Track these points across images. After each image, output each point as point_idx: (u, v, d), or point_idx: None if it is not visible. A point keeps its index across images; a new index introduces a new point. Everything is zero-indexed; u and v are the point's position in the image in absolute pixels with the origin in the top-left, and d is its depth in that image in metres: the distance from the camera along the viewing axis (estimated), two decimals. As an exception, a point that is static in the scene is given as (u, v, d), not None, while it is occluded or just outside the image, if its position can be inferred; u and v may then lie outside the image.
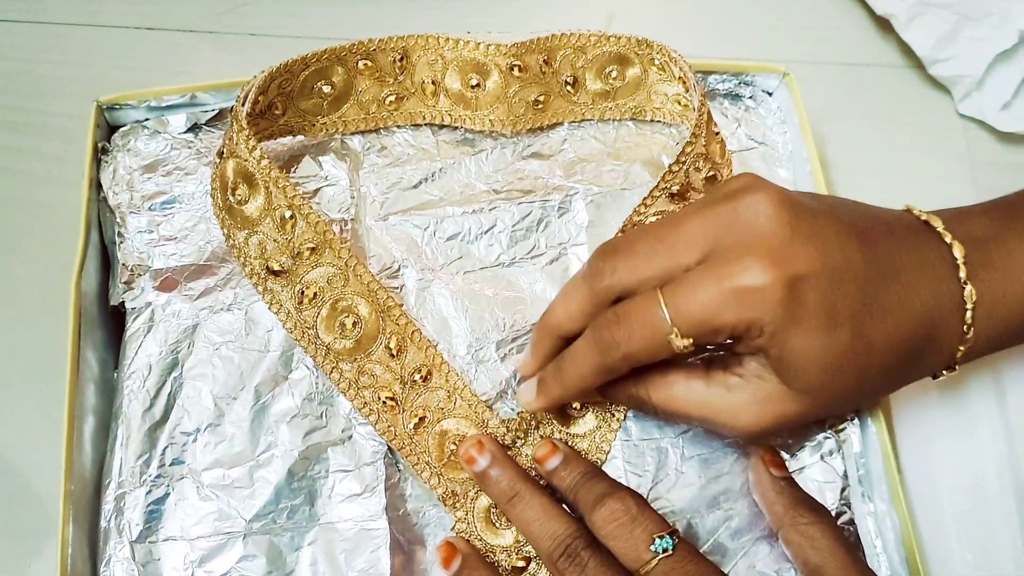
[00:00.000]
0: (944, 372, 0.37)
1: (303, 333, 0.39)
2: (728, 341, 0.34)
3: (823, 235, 0.33)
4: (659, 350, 0.33)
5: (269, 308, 0.40)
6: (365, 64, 0.44)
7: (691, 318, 0.32)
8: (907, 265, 0.35)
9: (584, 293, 0.35)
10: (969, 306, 0.35)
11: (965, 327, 0.35)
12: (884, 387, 0.38)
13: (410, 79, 0.45)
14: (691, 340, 0.32)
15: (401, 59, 0.44)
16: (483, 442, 0.38)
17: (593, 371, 0.35)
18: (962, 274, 0.35)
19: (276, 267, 0.39)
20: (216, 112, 0.44)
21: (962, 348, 0.35)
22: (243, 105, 0.39)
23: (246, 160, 0.39)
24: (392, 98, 0.45)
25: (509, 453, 0.39)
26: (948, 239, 0.36)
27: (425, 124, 0.45)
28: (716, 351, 0.38)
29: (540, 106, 0.45)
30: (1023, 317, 0.36)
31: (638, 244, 0.34)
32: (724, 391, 0.35)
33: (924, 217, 0.37)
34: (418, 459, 0.39)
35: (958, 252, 0.35)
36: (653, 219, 0.41)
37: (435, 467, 0.38)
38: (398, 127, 0.45)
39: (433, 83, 0.45)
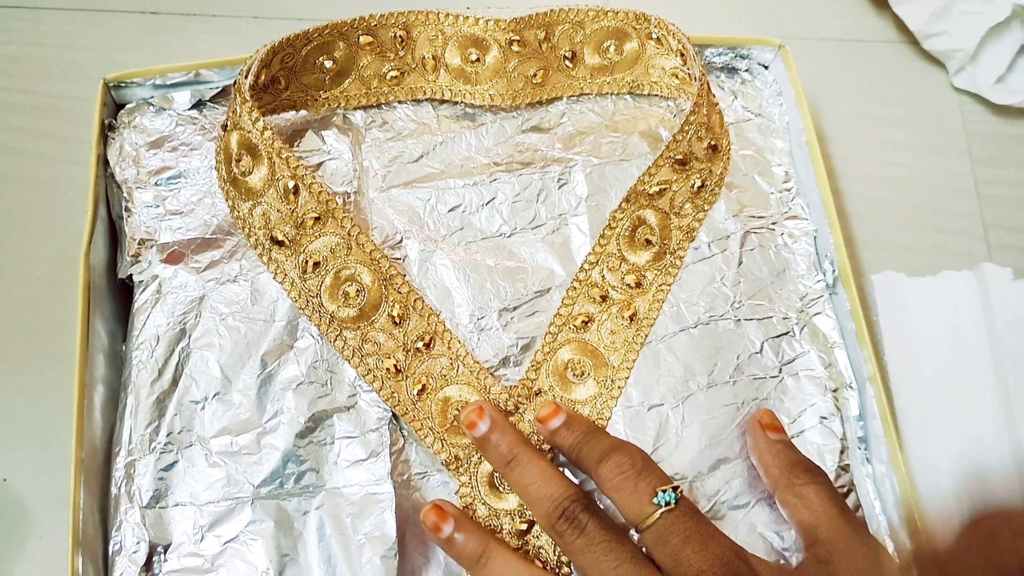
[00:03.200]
0: None
1: (307, 302, 0.40)
2: None
3: None
4: None
5: (274, 278, 0.40)
6: (367, 39, 0.44)
7: None
8: None
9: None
10: None
11: None
12: None
13: (411, 54, 0.45)
14: None
15: (402, 34, 0.45)
16: (483, 408, 0.39)
17: None
18: None
19: (280, 237, 0.40)
20: (220, 89, 0.45)
21: None
22: (246, 78, 0.40)
23: (249, 132, 0.39)
24: (393, 73, 0.45)
25: (511, 419, 0.39)
26: None
27: (426, 99, 0.46)
28: None
29: (539, 80, 0.46)
30: None
31: None
32: None
33: None
34: (421, 425, 0.39)
35: None
36: (656, 188, 0.42)
37: (438, 433, 0.39)
38: (399, 102, 0.46)
39: (433, 58, 0.45)
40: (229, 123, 0.41)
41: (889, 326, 0.45)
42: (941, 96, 0.55)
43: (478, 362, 0.40)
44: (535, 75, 0.46)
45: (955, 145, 0.53)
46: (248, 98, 0.39)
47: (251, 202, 0.40)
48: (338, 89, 0.45)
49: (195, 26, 0.53)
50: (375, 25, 0.44)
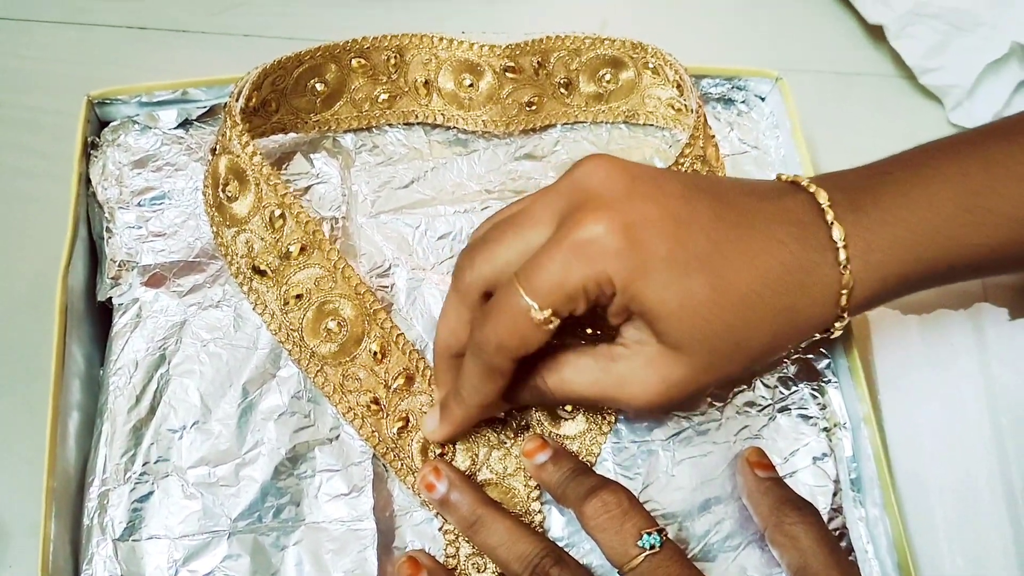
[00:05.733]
0: (836, 326, 0.36)
1: (288, 335, 0.39)
2: (598, 311, 0.34)
3: (664, 190, 0.33)
4: (527, 332, 0.33)
5: (254, 309, 0.39)
6: (359, 62, 0.43)
7: (543, 287, 0.32)
8: (766, 212, 0.35)
9: (454, 300, 0.35)
10: (840, 243, 0.34)
11: (841, 268, 0.34)
12: (768, 341, 0.35)
13: (403, 78, 0.45)
14: (551, 311, 0.32)
15: (395, 58, 0.44)
16: (440, 468, 0.38)
17: (481, 376, 0.34)
18: (829, 217, 0.35)
19: (263, 267, 0.39)
20: (207, 108, 0.44)
21: (844, 292, 0.34)
22: (237, 100, 0.39)
23: (238, 156, 0.38)
24: (385, 96, 0.44)
25: (497, 452, 0.38)
26: (812, 188, 0.35)
27: (417, 123, 0.45)
28: (598, 332, 0.39)
29: (533, 107, 0.45)
30: (901, 261, 0.35)
31: (491, 234, 0.35)
32: (609, 363, 0.35)
33: (790, 178, 0.37)
34: (402, 464, 0.38)
35: (822, 198, 0.35)
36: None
37: (418, 473, 0.38)
38: (390, 126, 0.45)
39: (426, 82, 0.45)
40: (218, 146, 0.40)
41: (884, 364, 0.44)
42: (938, 131, 0.53)
43: None
44: (529, 102, 0.45)
45: (951, 181, 0.53)
46: (239, 121, 0.38)
47: (235, 229, 0.39)
48: (329, 112, 0.44)
49: (183, 43, 0.53)
50: (368, 48, 0.43)
